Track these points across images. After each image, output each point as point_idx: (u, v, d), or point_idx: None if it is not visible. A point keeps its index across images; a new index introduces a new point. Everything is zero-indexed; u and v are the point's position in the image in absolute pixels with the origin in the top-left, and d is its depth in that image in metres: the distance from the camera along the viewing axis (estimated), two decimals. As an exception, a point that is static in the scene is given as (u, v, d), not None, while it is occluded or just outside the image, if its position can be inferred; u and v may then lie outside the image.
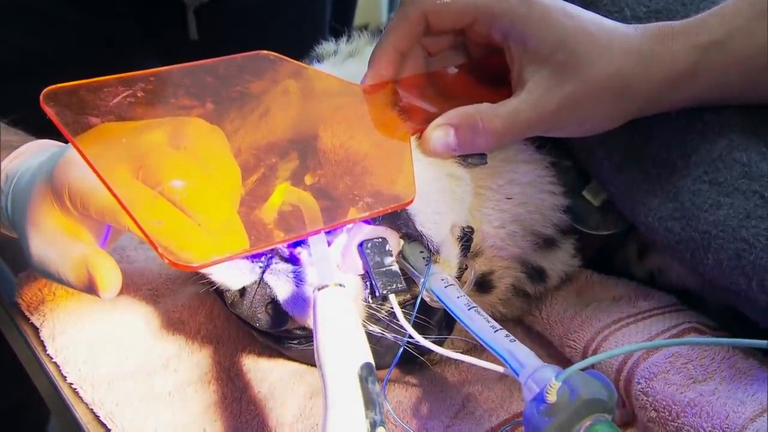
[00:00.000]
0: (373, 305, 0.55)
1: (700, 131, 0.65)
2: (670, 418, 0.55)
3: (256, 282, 0.55)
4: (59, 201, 0.54)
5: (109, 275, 0.53)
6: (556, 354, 0.64)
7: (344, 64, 0.68)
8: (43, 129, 0.64)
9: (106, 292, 0.52)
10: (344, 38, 0.73)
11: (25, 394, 1.29)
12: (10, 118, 0.71)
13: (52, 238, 0.56)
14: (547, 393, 0.42)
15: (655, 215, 0.62)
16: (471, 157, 0.59)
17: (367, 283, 0.55)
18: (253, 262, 0.56)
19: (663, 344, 0.60)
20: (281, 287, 0.54)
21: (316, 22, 1.25)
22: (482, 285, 0.61)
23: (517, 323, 0.66)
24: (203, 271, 0.57)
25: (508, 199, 0.61)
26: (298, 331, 0.58)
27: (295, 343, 0.60)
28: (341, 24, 1.19)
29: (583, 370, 0.45)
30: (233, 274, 0.56)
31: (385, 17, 2.63)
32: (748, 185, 0.61)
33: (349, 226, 0.55)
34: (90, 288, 0.53)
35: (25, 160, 0.63)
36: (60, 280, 0.55)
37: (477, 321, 0.50)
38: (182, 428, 0.59)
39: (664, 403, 0.55)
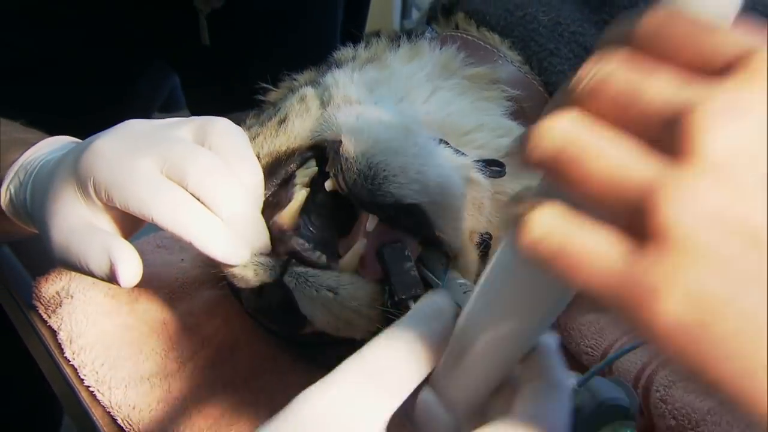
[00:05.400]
0: (392, 310, 0.54)
1: None
2: (689, 426, 0.55)
3: (275, 282, 0.55)
4: (84, 191, 0.55)
5: (130, 264, 0.53)
6: (572, 361, 0.63)
7: (363, 69, 0.67)
8: (58, 131, 0.68)
9: (127, 281, 0.53)
10: (362, 44, 0.73)
11: (39, 397, 1.34)
12: (26, 119, 0.71)
13: (74, 227, 0.56)
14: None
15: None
16: (490, 168, 0.59)
17: (387, 288, 0.54)
18: (274, 261, 0.56)
19: None
20: (301, 292, 0.54)
21: (328, 29, 1.25)
22: None
23: None
24: (226, 269, 0.58)
25: None
26: (315, 339, 0.59)
27: (313, 350, 0.61)
28: (355, 29, 1.19)
29: (602, 376, 0.47)
30: (253, 270, 0.56)
31: (397, 23, 2.62)
32: None
33: (369, 230, 0.55)
34: (111, 276, 0.53)
35: (43, 154, 0.64)
36: (81, 269, 0.55)
37: None
38: None
39: (683, 411, 0.55)
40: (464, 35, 0.73)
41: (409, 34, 0.74)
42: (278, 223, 0.56)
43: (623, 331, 0.64)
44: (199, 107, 1.26)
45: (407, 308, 0.52)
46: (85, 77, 1.18)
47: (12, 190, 0.64)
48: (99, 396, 0.63)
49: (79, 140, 0.62)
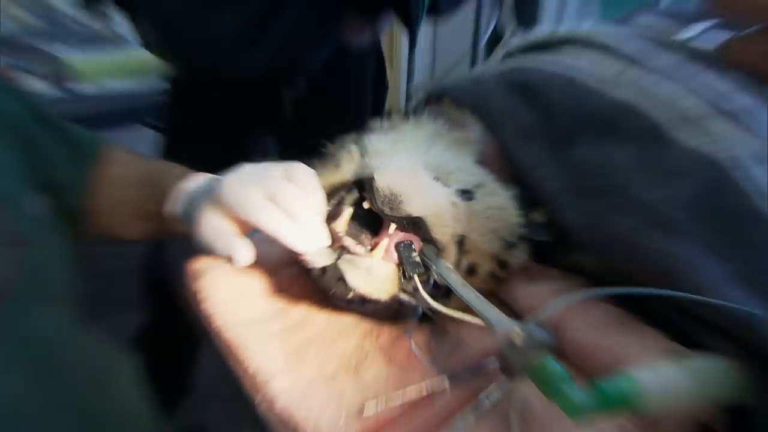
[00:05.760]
0: (404, 283, 0.58)
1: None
2: (580, 353, 0.55)
3: (332, 264, 0.57)
4: (218, 208, 0.59)
5: (242, 251, 0.57)
6: (515, 315, 0.61)
7: (387, 133, 0.69)
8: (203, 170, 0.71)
9: (239, 262, 0.57)
10: (385, 119, 0.73)
11: (188, 330, 1.37)
12: (188, 166, 0.75)
13: (210, 229, 0.59)
14: (513, 338, 0.44)
15: (573, 221, 0.61)
16: (465, 195, 0.61)
17: (401, 268, 0.57)
18: (332, 251, 0.58)
19: (580, 298, 0.56)
20: (349, 270, 0.56)
21: (365, 108, 1.25)
22: (470, 271, 0.62)
23: (492, 295, 0.64)
24: (302, 256, 0.59)
25: (488, 218, 0.61)
26: (359, 299, 0.59)
27: (357, 305, 0.61)
28: (380, 108, 1.26)
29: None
30: (319, 256, 0.58)
31: (401, 100, 2.53)
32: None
33: (390, 233, 0.58)
34: (230, 258, 0.57)
35: (193, 184, 0.67)
36: (213, 251, 0.59)
37: (467, 293, 0.53)
38: (282, 357, 0.59)
39: (580, 343, 0.55)
40: (449, 112, 0.73)
41: (414, 111, 0.74)
42: (334, 228, 0.59)
43: (550, 295, 0.61)
44: (285, 155, 1.28)
45: (411, 279, 0.56)
46: (221, 140, 1.24)
47: (176, 204, 0.67)
48: (224, 331, 0.63)
49: (214, 176, 0.66)
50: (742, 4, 0.67)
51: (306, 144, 0.70)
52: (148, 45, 1.13)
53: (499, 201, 0.62)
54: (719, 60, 0.69)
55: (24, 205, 0.55)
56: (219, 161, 0.67)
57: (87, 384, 0.52)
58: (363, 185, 0.58)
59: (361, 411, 0.51)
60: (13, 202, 0.53)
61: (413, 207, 0.55)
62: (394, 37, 2.24)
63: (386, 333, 0.62)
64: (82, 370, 0.53)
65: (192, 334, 1.40)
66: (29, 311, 0.48)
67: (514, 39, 0.84)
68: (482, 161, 0.66)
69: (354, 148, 0.64)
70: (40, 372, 0.48)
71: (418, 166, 0.59)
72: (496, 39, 2.04)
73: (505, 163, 0.67)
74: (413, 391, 0.53)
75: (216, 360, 0.66)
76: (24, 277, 0.48)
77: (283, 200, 0.55)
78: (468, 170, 0.63)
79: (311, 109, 1.16)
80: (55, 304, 0.52)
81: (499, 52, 0.88)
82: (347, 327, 0.63)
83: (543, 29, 0.83)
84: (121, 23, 1.51)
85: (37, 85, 1.31)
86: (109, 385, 0.57)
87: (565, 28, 0.81)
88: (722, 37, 0.71)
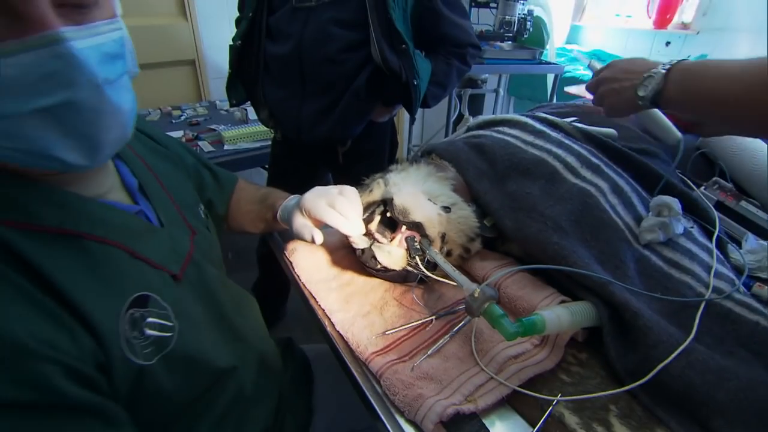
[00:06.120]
0: (410, 260, 0.58)
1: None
2: (511, 302, 0.56)
3: (368, 248, 0.58)
4: (302, 212, 0.59)
5: (317, 236, 0.58)
6: (475, 280, 0.56)
7: (399, 172, 0.69)
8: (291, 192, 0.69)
9: (317, 242, 0.58)
10: (398, 165, 0.73)
11: (284, 288, 1.54)
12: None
13: (299, 222, 0.59)
14: (475, 294, 0.45)
15: (507, 226, 0.61)
16: (444, 209, 0.61)
17: (408, 252, 0.57)
18: (367, 239, 0.59)
19: (510, 272, 0.58)
20: (378, 252, 0.58)
21: (385, 158, 1.24)
22: (447, 254, 0.61)
23: (460, 268, 0.61)
24: (351, 240, 0.59)
25: (459, 223, 0.61)
26: (383, 269, 0.59)
27: (382, 272, 0.61)
28: (393, 157, 1.27)
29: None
30: (360, 241, 0.59)
31: (405, 152, 2.55)
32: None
33: (402, 231, 0.58)
34: (312, 240, 0.58)
35: (288, 200, 0.66)
36: (300, 237, 0.59)
37: (446, 266, 0.53)
38: (338, 302, 0.60)
39: (511, 296, 0.57)
40: (435, 161, 0.74)
41: (416, 160, 0.74)
42: (369, 227, 0.60)
43: (491, 268, 0.62)
44: (338, 183, 1.30)
45: (414, 258, 0.56)
46: (301, 176, 1.26)
47: (280, 212, 0.65)
48: (307, 284, 0.64)
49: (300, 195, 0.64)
50: (596, 111, 0.77)
51: (351, 178, 0.70)
52: (264, 122, 1.19)
53: (465, 213, 0.63)
54: (581, 137, 0.76)
55: (196, 211, 0.57)
56: (300, 187, 0.68)
57: (233, 311, 0.52)
58: (386, 202, 0.59)
59: (383, 333, 0.55)
60: (190, 210, 0.55)
61: (416, 216, 0.57)
62: (400, 116, 2.40)
63: (399, 289, 0.63)
64: (230, 303, 0.53)
65: (284, 284, 1.48)
66: (202, 268, 0.49)
67: (471, 120, 0.87)
68: (455, 190, 0.68)
69: (381, 181, 0.65)
70: (210, 303, 0.49)
71: (418, 192, 0.62)
72: (458, 119, 2.26)
73: (468, 191, 0.70)
74: (414, 322, 0.57)
75: (297, 300, 0.65)
76: (196, 250, 0.50)
77: (339, 207, 0.56)
78: (447, 195, 0.65)
79: (353, 158, 1.19)
80: (213, 266, 0.52)
81: (460, 126, 0.91)
82: (375, 285, 0.64)
83: (486, 115, 0.86)
84: (250, 112, 1.70)
85: (206, 146, 1.47)
86: (245, 312, 0.57)
87: (499, 114, 0.85)
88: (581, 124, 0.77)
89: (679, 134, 0.67)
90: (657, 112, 0.64)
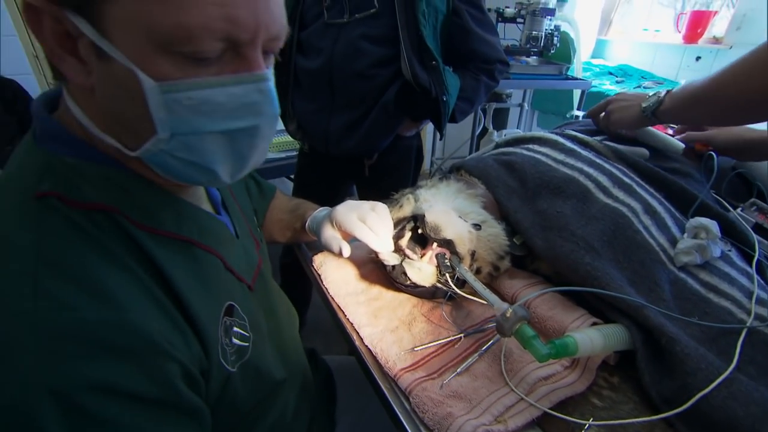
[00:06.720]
0: (439, 277, 0.57)
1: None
2: (541, 322, 0.56)
3: (399, 264, 0.58)
4: (333, 224, 0.59)
5: (345, 249, 0.57)
6: (504, 298, 0.60)
7: (429, 189, 0.68)
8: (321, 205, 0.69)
9: (345, 255, 0.57)
10: (428, 181, 0.73)
11: (308, 294, 1.50)
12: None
13: (328, 234, 0.59)
14: (507, 314, 0.45)
15: (537, 245, 0.61)
16: (475, 226, 0.61)
17: (438, 269, 0.57)
18: (397, 256, 0.58)
19: (541, 293, 0.57)
20: (408, 268, 0.57)
21: (410, 172, 1.22)
22: (477, 271, 0.61)
23: (489, 286, 0.60)
24: (380, 256, 0.59)
25: (488, 241, 0.61)
26: (413, 285, 0.59)
27: (411, 288, 0.61)
28: (417, 171, 1.26)
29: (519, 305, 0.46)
30: (390, 257, 0.59)
31: (428, 165, 2.58)
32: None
33: (433, 248, 0.58)
34: (340, 254, 0.57)
35: (318, 212, 0.66)
36: (330, 250, 0.59)
37: (476, 284, 0.52)
38: (366, 316, 0.60)
39: (541, 316, 0.56)
40: (465, 178, 0.74)
41: (446, 177, 0.73)
42: (400, 244, 0.59)
43: (520, 287, 0.62)
44: (363, 197, 1.29)
45: (444, 275, 0.55)
46: (328, 187, 1.26)
47: (309, 222, 0.65)
48: (335, 297, 0.64)
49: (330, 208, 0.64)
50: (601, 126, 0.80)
51: (376, 190, 0.70)
52: (292, 134, 1.20)
53: (495, 231, 0.63)
54: (612, 156, 0.76)
55: (255, 222, 0.57)
56: (326, 199, 0.69)
57: (286, 323, 0.55)
58: (417, 219, 0.59)
59: (412, 349, 0.55)
60: (252, 221, 0.57)
61: (447, 233, 0.57)
62: (424, 130, 2.49)
63: (427, 305, 0.63)
64: (285, 315, 0.56)
65: (305, 294, 1.48)
66: (266, 279, 0.51)
67: (497, 136, 0.89)
68: (485, 207, 0.67)
69: (411, 196, 0.65)
70: (270, 314, 0.50)
71: (449, 209, 0.61)
72: (482, 133, 2.28)
73: (498, 209, 0.69)
74: (443, 339, 0.57)
75: (320, 309, 0.65)
76: (263, 261, 0.52)
77: (370, 222, 0.56)
78: (477, 212, 0.65)
79: (379, 171, 1.19)
80: (271, 275, 0.54)
81: (485, 142, 0.94)
82: (403, 300, 0.64)
83: (515, 132, 0.88)
84: (279, 123, 1.69)
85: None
86: (293, 324, 0.59)
87: (528, 132, 0.84)
88: (611, 143, 0.79)
89: (681, 145, 0.76)
90: (653, 129, 0.77)
